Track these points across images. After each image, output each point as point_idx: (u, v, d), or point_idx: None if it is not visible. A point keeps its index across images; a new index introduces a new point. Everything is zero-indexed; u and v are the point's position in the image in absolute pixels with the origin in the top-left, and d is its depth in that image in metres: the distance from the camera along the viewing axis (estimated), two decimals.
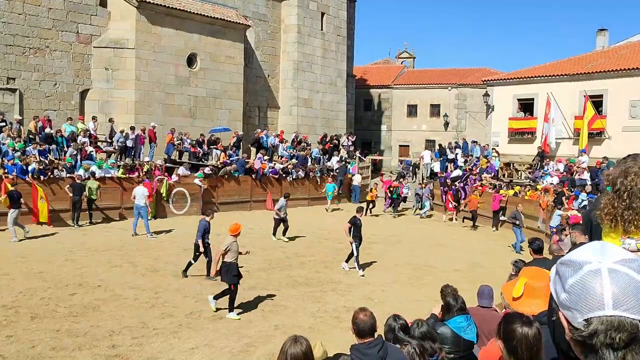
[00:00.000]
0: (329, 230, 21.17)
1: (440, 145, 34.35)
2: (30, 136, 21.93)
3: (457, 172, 27.89)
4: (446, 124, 41.02)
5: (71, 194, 19.31)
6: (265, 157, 27.77)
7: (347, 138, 34.00)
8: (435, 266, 15.97)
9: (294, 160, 28.59)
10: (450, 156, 31.08)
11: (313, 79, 34.67)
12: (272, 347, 8.90)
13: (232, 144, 27.56)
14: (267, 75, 33.47)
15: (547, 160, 27.79)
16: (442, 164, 30.74)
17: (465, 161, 29.98)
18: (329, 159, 31.35)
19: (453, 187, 25.78)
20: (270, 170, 27.09)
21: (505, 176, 28.85)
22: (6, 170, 19.03)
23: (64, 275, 13.08)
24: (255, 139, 29.06)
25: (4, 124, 21.39)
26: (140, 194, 18.72)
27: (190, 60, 28.40)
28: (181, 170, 23.93)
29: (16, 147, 20.24)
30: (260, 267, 14.90)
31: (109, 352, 8.61)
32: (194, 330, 9.77)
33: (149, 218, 19.34)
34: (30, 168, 19.51)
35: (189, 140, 25.95)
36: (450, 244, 19.83)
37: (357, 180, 30.08)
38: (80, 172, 20.66)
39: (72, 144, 22.21)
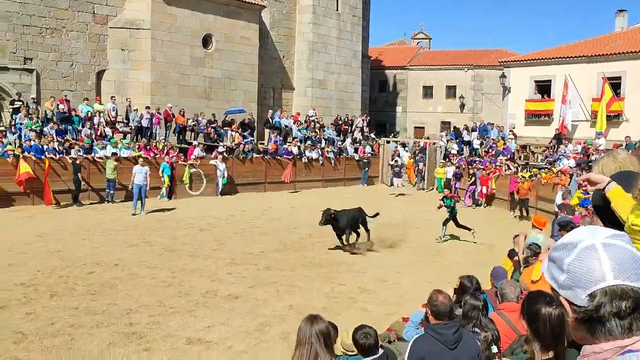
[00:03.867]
0: None
1: (455, 127, 34.16)
2: (47, 116, 22.13)
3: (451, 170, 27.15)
4: (462, 106, 40.73)
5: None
6: (279, 138, 27.81)
7: (362, 119, 33.93)
8: (447, 248, 15.97)
9: (308, 143, 28.64)
10: (466, 138, 30.93)
11: (328, 59, 34.52)
12: (287, 327, 8.98)
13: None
14: (282, 56, 33.37)
15: (565, 142, 27.57)
16: (459, 146, 30.59)
17: (481, 143, 29.82)
18: (343, 141, 31.34)
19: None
20: (283, 151, 27.15)
21: (521, 158, 28.67)
22: (24, 150, 19.25)
23: (81, 254, 13.26)
24: (266, 120, 29.15)
25: (20, 103, 21.57)
26: (140, 172, 18.96)
27: (206, 41, 28.37)
28: (196, 152, 24.03)
29: (33, 127, 20.44)
30: (275, 248, 15.00)
31: (127, 329, 8.74)
32: (209, 309, 9.88)
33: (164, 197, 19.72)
34: (46, 148, 19.74)
35: (204, 121, 26.05)
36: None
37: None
38: (101, 152, 20.90)
39: (87, 124, 22.41)
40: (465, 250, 15.74)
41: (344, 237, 14.97)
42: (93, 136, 22.06)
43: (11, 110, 21.75)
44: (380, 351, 4.15)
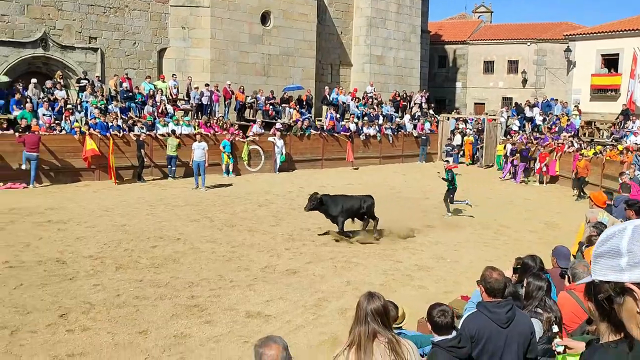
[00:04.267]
0: (399, 189, 21.14)
1: (516, 103, 33.34)
2: (112, 94, 22.75)
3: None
4: (524, 81, 39.63)
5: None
6: (336, 115, 27.78)
7: (421, 96, 33.50)
8: (508, 226, 15.70)
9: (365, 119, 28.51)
10: (529, 114, 30.16)
11: (386, 35, 34.11)
12: (344, 302, 9.06)
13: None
14: (340, 32, 33.17)
15: (633, 118, 26.54)
16: (521, 122, 29.88)
17: (544, 120, 29.03)
18: (401, 117, 31.05)
19: (523, 151, 24.75)
20: (341, 128, 27.13)
21: (586, 135, 27.79)
22: (90, 128, 19.87)
23: (145, 229, 13.65)
24: (323, 97, 29.16)
25: (86, 82, 22.24)
26: (197, 148, 19.42)
27: (264, 18, 28.45)
28: (255, 128, 24.27)
29: (98, 105, 21.05)
30: (333, 224, 15.06)
31: (189, 302, 8.98)
32: (268, 283, 10.04)
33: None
34: (111, 125, 20.32)
35: (262, 98, 26.25)
36: (522, 203, 19.40)
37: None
38: (163, 130, 21.40)
39: (149, 102, 22.92)
40: (528, 229, 15.43)
41: (338, 224, 13.44)
42: (155, 113, 22.55)
43: (78, 88, 22.47)
44: (454, 332, 4.05)
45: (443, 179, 16.90)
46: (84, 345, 7.31)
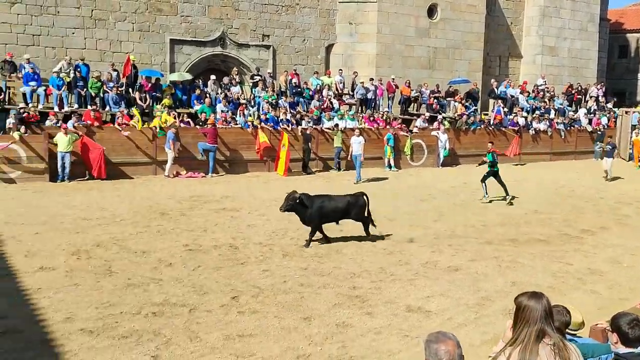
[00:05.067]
0: (571, 188, 19.98)
1: None
2: (282, 90, 23.80)
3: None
4: None
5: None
6: (504, 109, 26.82)
7: (597, 88, 31.33)
8: None
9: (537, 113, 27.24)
10: None
11: (560, 24, 32.28)
12: (509, 303, 8.75)
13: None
14: (510, 22, 31.93)
15: None
16: None
17: None
18: (575, 111, 29.27)
19: None
20: (508, 122, 26.17)
21: None
22: (261, 122, 20.95)
23: None
24: (490, 90, 28.25)
25: (259, 78, 23.47)
26: (355, 142, 19.71)
27: (431, 11, 28.17)
28: (419, 123, 24.15)
29: (269, 100, 22.13)
30: (497, 222, 14.62)
31: (350, 292, 9.19)
32: (429, 279, 9.99)
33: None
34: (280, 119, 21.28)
35: (427, 92, 26.04)
36: None
37: None
38: (328, 124, 22.03)
39: (316, 97, 23.66)
40: None
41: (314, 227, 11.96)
42: (321, 108, 23.22)
43: (251, 84, 23.78)
44: None
45: (484, 161, 17.32)
46: (253, 327, 7.76)
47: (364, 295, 9.08)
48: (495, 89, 28.19)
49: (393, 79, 25.98)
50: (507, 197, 16.95)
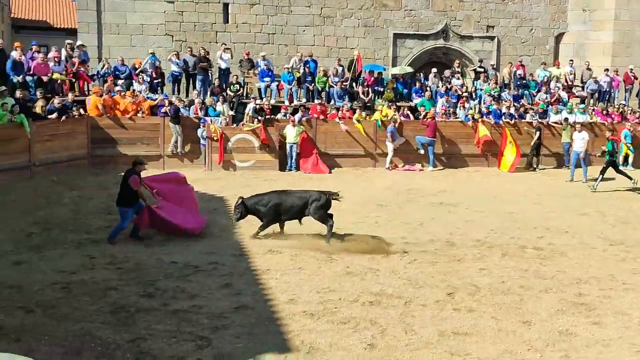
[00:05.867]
0: None
1: None
2: (505, 82, 22.94)
3: None
4: None
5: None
6: None
7: None
8: None
9: None
10: None
11: None
12: None
13: None
14: None
15: None
16: None
17: None
18: None
19: None
20: None
21: None
22: (482, 115, 20.39)
23: (532, 218, 13.48)
24: None
25: (482, 70, 22.86)
26: (578, 139, 18.18)
27: None
28: None
29: (492, 93, 21.44)
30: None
31: (575, 299, 8.60)
32: None
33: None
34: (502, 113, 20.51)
35: None
36: None
37: None
38: (555, 117, 20.72)
39: (543, 89, 22.41)
40: None
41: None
42: (548, 101, 21.94)
43: (473, 76, 23.26)
44: None
45: (604, 151, 16.80)
46: (469, 325, 7.61)
47: (591, 304, 8.44)
48: None
49: (631, 69, 23.66)
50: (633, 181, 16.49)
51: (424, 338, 7.23)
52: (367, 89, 21.12)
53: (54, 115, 16.97)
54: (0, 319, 7.38)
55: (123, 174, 11.16)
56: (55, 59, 18.94)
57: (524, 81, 22.83)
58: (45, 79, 18.16)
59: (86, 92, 19.46)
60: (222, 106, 19.04)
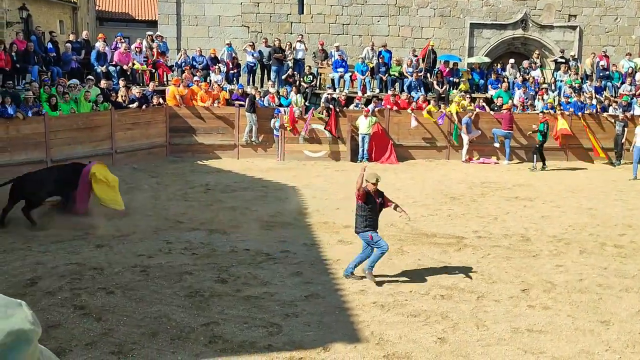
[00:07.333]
0: None
1: None
2: (587, 73, 22.10)
3: None
4: None
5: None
6: None
7: None
8: None
9: None
10: None
11: None
12: None
13: None
14: None
15: None
16: None
17: None
18: None
19: None
20: None
21: None
22: (561, 107, 19.71)
23: (613, 214, 12.97)
24: None
25: (563, 60, 22.08)
26: None
27: None
28: None
29: (572, 84, 20.70)
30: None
31: None
32: None
33: None
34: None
35: None
36: None
37: None
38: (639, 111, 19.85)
39: (627, 80, 21.46)
40: None
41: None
42: (633, 93, 20.99)
43: (553, 67, 22.51)
44: None
45: (538, 131, 17.75)
46: (544, 323, 7.42)
47: None
48: None
49: None
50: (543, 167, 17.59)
51: (497, 334, 7.11)
52: (442, 80, 20.80)
53: (135, 105, 17.57)
54: (84, 299, 7.74)
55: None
56: (137, 49, 19.60)
57: (607, 72, 21.92)
58: (126, 68, 18.85)
59: (165, 82, 20.05)
60: (296, 97, 19.20)
